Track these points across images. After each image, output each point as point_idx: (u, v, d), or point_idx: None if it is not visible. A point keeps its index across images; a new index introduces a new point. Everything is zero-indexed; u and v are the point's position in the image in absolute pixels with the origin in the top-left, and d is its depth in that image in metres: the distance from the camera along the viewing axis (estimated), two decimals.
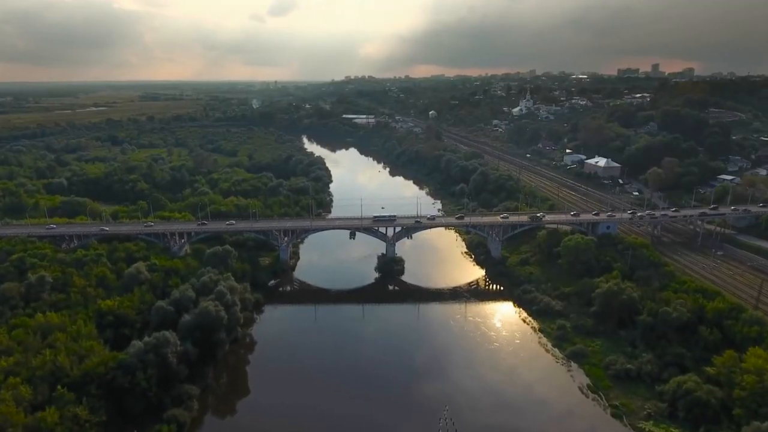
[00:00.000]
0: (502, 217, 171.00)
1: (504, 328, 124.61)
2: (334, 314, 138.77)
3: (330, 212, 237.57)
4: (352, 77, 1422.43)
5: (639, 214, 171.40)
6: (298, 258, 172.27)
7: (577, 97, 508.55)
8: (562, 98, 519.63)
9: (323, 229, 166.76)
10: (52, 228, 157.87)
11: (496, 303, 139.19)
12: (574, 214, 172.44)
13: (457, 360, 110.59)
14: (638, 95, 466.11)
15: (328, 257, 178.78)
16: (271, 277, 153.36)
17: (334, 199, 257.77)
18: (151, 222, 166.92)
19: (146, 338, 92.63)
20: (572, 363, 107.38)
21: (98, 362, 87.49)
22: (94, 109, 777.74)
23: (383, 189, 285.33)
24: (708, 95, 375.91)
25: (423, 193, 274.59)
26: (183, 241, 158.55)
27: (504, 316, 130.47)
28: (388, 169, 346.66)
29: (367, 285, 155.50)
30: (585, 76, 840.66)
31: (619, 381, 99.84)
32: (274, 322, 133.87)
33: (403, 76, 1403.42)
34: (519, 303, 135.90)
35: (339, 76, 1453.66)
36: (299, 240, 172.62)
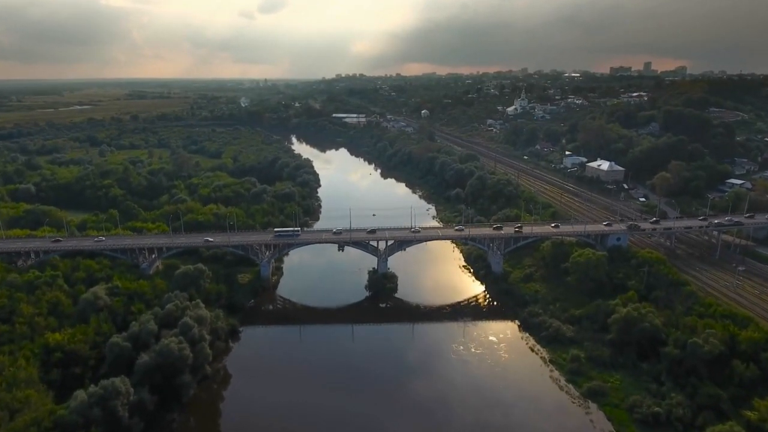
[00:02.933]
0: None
1: (511, 361, 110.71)
2: (321, 337, 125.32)
3: (318, 219, 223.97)
4: (343, 75, 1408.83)
5: (727, 219, 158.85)
6: (282, 273, 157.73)
7: (573, 96, 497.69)
8: (557, 97, 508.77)
9: (308, 243, 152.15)
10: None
11: (499, 328, 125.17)
12: (654, 221, 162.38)
13: (460, 403, 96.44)
14: (635, 94, 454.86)
15: (314, 272, 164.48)
16: (251, 297, 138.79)
17: (322, 204, 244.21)
18: (101, 237, 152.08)
19: (91, 388, 77.94)
20: (590, 403, 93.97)
21: (30, 420, 72.82)
22: (78, 107, 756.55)
23: (375, 193, 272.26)
24: (707, 94, 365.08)
25: (416, 197, 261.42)
26: (153, 256, 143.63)
27: (510, 345, 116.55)
28: (379, 170, 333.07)
29: (358, 302, 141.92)
30: (578, 75, 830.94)
31: (646, 427, 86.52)
32: (252, 349, 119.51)
33: (394, 74, 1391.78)
34: (525, 327, 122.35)
35: (330, 74, 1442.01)
36: (284, 253, 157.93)
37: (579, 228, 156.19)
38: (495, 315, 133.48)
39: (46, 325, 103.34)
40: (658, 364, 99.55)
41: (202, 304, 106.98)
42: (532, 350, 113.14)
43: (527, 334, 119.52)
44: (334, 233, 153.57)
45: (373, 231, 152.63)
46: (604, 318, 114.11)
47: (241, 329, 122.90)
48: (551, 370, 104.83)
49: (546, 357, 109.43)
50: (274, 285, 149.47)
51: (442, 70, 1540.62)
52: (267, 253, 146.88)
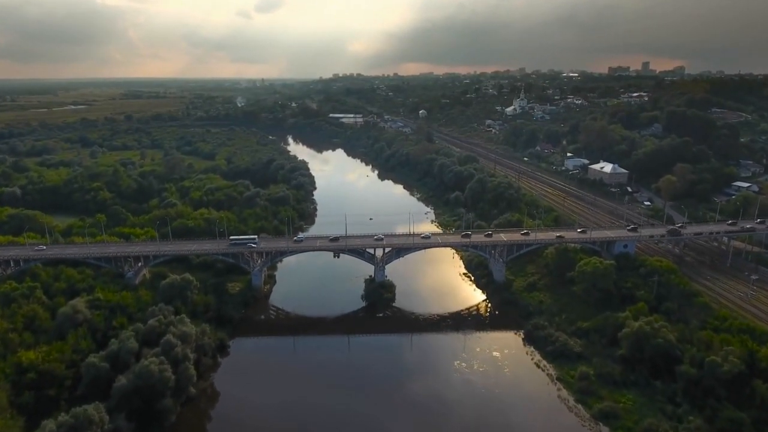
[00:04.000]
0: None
1: (516, 379, 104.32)
2: (315, 349, 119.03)
3: (314, 222, 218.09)
4: (341, 75, 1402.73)
5: None
6: (275, 282, 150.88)
7: (572, 96, 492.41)
8: (556, 97, 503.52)
9: (302, 251, 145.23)
10: None
11: (503, 341, 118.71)
12: (731, 223, 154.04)
13: (465, 427, 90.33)
14: (635, 94, 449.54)
15: (309, 279, 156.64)
16: (242, 308, 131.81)
17: (318, 207, 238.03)
18: (42, 245, 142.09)
19: (62, 417, 71.52)
20: (602, 426, 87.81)
21: None
22: (72, 107, 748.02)
23: (372, 195, 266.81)
24: (708, 94, 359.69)
25: (414, 199, 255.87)
26: (140, 264, 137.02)
27: (514, 361, 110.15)
28: (376, 171, 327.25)
29: (354, 311, 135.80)
30: (576, 75, 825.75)
31: None
32: (242, 364, 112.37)
33: (391, 74, 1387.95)
34: (529, 340, 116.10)
35: (327, 74, 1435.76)
36: (278, 260, 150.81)
37: (609, 233, 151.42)
38: (498, 327, 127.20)
39: (20, 341, 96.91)
40: (673, 384, 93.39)
41: (187, 319, 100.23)
42: (538, 366, 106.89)
43: (532, 348, 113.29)
44: (295, 241, 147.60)
45: (335, 239, 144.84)
46: (614, 331, 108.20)
47: (230, 343, 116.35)
48: (559, 389, 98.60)
49: (553, 374, 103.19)
50: (266, 294, 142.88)
51: (440, 70, 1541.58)
52: (259, 261, 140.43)
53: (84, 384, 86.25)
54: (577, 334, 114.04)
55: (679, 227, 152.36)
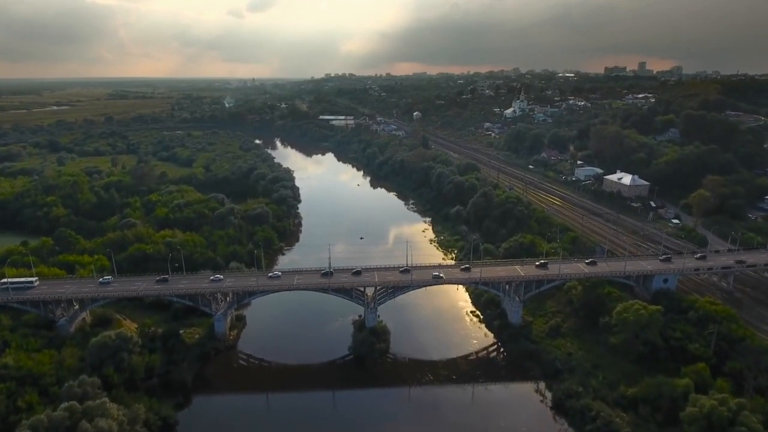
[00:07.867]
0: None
1: None
2: (292, 409, 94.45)
3: (298, 240, 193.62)
4: (332, 75, 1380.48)
5: None
6: (245, 324, 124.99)
7: (573, 97, 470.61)
8: (556, 98, 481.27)
9: (276, 291, 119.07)
10: None
11: (527, 415, 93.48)
12: None
13: None
14: (641, 95, 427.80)
15: (286, 318, 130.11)
16: (198, 363, 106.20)
17: (303, 221, 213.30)
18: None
19: None
20: None
21: None
22: (55, 108, 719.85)
23: (363, 207, 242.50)
24: (721, 96, 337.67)
25: (410, 212, 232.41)
26: (76, 308, 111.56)
27: None
28: (368, 179, 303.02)
29: (341, 358, 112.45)
30: (572, 75, 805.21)
31: None
32: None
33: (384, 74, 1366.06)
34: (560, 412, 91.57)
35: (319, 74, 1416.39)
36: (246, 301, 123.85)
37: None
38: (518, 390, 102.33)
39: None
40: None
41: (109, 405, 74.05)
42: None
43: (565, 425, 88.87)
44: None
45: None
46: (671, 405, 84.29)
47: (178, 419, 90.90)
48: None
49: None
50: (233, 341, 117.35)
51: (432, 70, 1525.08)
52: (223, 303, 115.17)
53: None
54: (621, 404, 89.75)
55: None
